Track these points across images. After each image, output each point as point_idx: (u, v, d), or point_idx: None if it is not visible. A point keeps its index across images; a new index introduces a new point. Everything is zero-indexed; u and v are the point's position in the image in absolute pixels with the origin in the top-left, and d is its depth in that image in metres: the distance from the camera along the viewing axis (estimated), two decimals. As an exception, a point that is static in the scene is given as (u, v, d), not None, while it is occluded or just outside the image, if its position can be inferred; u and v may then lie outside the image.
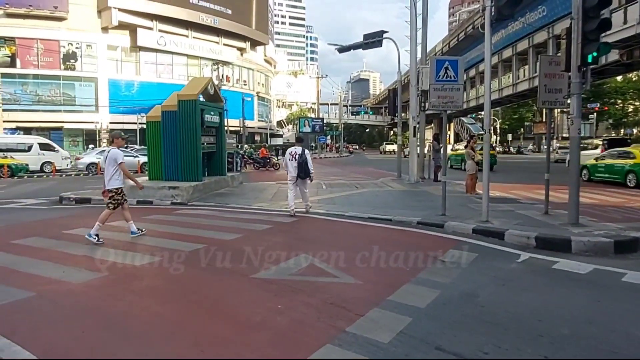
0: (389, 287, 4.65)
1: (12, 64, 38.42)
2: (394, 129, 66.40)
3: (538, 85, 8.25)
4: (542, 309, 4.13)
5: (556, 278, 5.11)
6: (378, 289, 4.66)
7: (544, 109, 9.65)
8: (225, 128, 17.41)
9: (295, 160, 9.43)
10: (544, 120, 56.88)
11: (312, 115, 72.14)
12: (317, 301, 4.26)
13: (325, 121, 67.86)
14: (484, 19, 8.00)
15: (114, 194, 7.25)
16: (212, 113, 13.87)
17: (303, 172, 9.41)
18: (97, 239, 6.80)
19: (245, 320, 3.88)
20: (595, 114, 53.63)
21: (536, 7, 33.56)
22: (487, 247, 6.48)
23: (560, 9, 29.77)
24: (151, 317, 4.02)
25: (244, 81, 56.04)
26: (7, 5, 37.65)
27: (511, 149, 64.23)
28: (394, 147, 71.71)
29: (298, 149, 9.52)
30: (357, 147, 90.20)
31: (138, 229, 7.41)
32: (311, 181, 9.95)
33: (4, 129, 34.17)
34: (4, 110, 34.37)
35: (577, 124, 7.41)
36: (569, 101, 7.98)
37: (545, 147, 10.09)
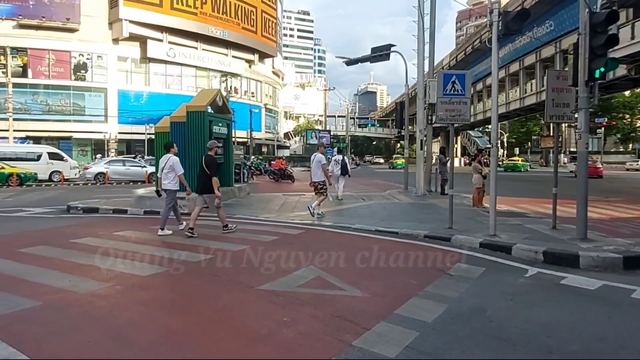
0: (396, 300, 4.62)
1: (24, 74, 39.00)
2: (401, 142, 66.48)
3: (546, 100, 8.23)
4: (551, 324, 4.08)
5: (565, 294, 5.06)
6: (385, 302, 4.63)
7: (551, 123, 9.64)
8: (233, 139, 17.51)
9: (339, 164, 14.45)
10: (551, 134, 56.67)
11: (319, 127, 72.56)
12: (324, 314, 4.24)
13: (332, 133, 68.14)
14: (491, 33, 8.04)
15: (322, 185, 10.64)
16: (220, 124, 13.95)
17: (345, 171, 14.46)
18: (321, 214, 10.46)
19: (252, 332, 3.87)
20: (603, 128, 53.45)
21: (543, 22, 33.69)
22: (495, 262, 6.43)
23: (568, 23, 29.88)
24: (157, 329, 4.01)
25: (252, 93, 56.44)
26: (20, 17, 38.33)
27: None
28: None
29: (340, 157, 14.78)
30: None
31: (322, 212, 10.55)
32: (349, 177, 15.48)
33: (14, 138, 34.59)
34: (14, 119, 34.79)
35: (585, 139, 7.38)
36: (576, 115, 7.96)
37: (553, 161, 10.05)
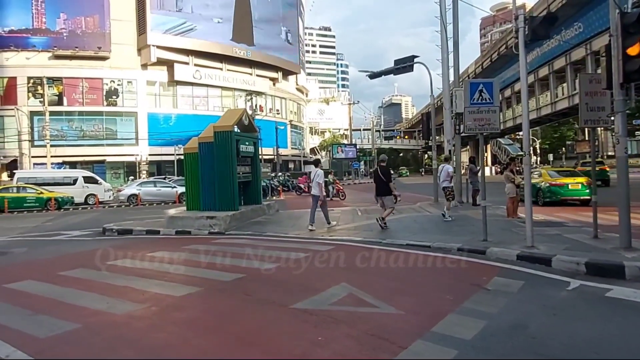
0: (432, 317, 4.49)
1: (60, 102, 40.71)
2: (429, 152, 65.83)
3: (579, 105, 7.97)
4: (597, 340, 3.89)
5: (611, 306, 4.82)
6: (421, 319, 4.52)
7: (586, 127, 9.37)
8: (260, 157, 17.68)
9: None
10: (586, 138, 55.03)
11: (345, 142, 72.53)
12: (359, 332, 4.16)
13: (358, 147, 68.04)
14: (517, 39, 7.87)
15: (450, 190, 12.37)
16: (247, 143, 14.14)
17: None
18: (451, 218, 11.74)
19: (286, 352, 3.83)
20: (642, 130, 51.42)
21: (572, 24, 32.98)
22: (534, 275, 6.19)
23: (597, 24, 29.16)
24: (192, 350, 4.01)
25: (277, 110, 57.09)
26: (55, 48, 40.18)
27: (552, 169, 62.12)
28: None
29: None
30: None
31: (450, 217, 11.77)
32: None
33: (52, 163, 35.97)
34: (51, 145, 36.22)
35: (624, 143, 7.11)
36: (612, 119, 7.67)
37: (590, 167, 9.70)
